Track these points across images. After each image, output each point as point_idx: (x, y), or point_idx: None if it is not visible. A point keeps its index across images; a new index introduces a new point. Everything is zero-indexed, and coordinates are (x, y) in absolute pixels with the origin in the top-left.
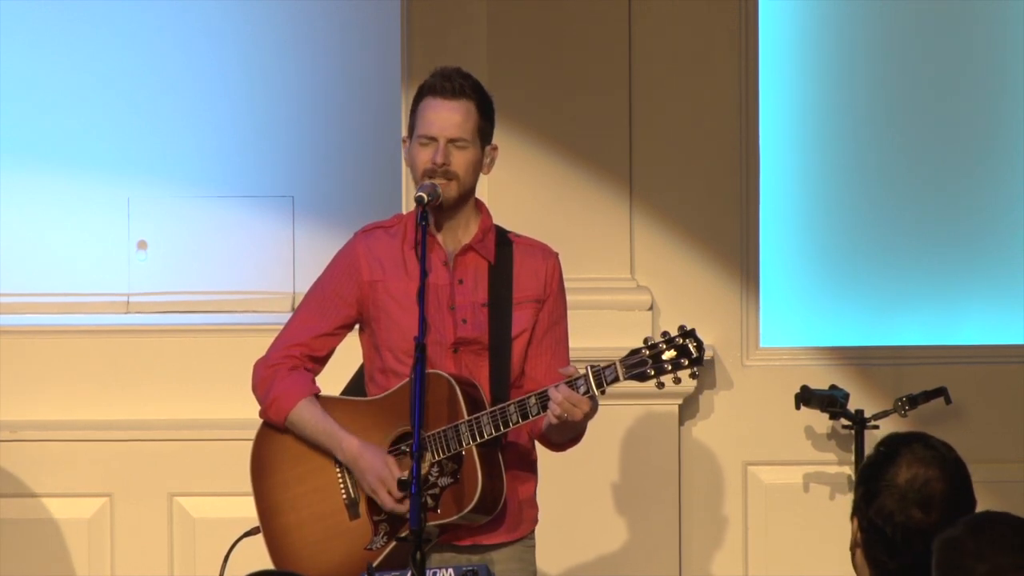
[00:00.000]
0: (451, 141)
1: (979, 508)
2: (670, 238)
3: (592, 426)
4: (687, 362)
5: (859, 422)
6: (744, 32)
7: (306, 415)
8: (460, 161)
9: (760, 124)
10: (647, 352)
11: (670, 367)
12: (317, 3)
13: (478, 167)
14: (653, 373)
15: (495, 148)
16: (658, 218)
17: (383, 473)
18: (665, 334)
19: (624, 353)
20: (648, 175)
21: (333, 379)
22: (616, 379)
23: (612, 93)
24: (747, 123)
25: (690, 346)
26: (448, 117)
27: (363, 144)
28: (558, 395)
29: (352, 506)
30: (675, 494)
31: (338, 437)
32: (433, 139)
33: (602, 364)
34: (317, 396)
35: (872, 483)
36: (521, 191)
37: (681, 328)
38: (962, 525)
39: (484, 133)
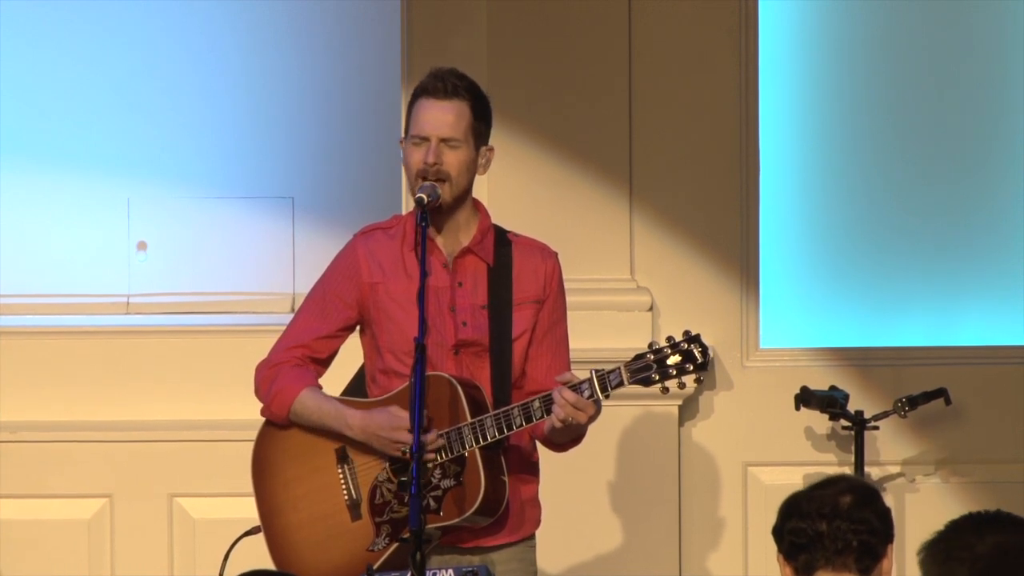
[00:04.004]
0: (443, 141)
1: (978, 509)
2: (670, 238)
3: (592, 427)
4: (692, 367)
5: (859, 423)
6: (744, 32)
7: (309, 402)
8: (452, 161)
9: (760, 124)
10: (652, 357)
11: (675, 372)
12: (317, 3)
13: (472, 168)
14: (658, 378)
15: (491, 149)
16: (658, 218)
17: (394, 421)
18: (670, 339)
19: (627, 356)
20: (648, 175)
21: (334, 379)
22: (621, 384)
23: (612, 93)
24: (747, 123)
25: (695, 351)
26: (440, 117)
27: (363, 144)
28: (562, 398)
29: (354, 507)
30: (675, 494)
31: (343, 414)
32: (425, 139)
33: (607, 368)
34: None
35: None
36: (521, 191)
37: (686, 333)
38: (943, 528)
39: (478, 133)
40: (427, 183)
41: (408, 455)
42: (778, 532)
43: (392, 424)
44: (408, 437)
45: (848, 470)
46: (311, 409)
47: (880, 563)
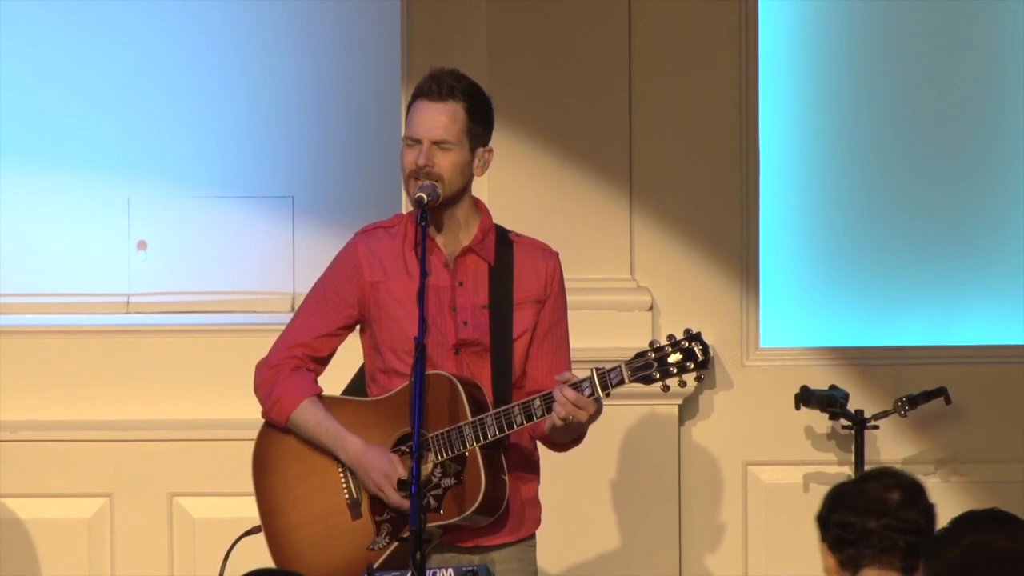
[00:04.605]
0: (435, 143)
1: (977, 508)
2: (670, 238)
3: (592, 426)
4: (693, 365)
5: (859, 422)
6: (744, 32)
7: (308, 416)
8: (444, 163)
9: (760, 124)
10: (652, 355)
11: (675, 370)
12: (317, 3)
13: (466, 170)
14: (658, 376)
15: (489, 151)
16: (658, 218)
17: (388, 469)
18: (671, 337)
19: (627, 355)
20: (648, 175)
21: (334, 379)
22: (621, 382)
23: (612, 93)
24: (747, 123)
25: (696, 349)
26: (433, 119)
27: (363, 144)
28: (563, 397)
29: (354, 506)
30: (675, 494)
31: (341, 438)
32: (418, 141)
33: (607, 367)
34: (320, 397)
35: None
36: (521, 191)
37: (687, 331)
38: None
39: (474, 135)
40: (427, 183)
41: (409, 453)
42: (824, 521)
43: (385, 471)
44: (394, 496)
45: (848, 469)
46: (310, 423)
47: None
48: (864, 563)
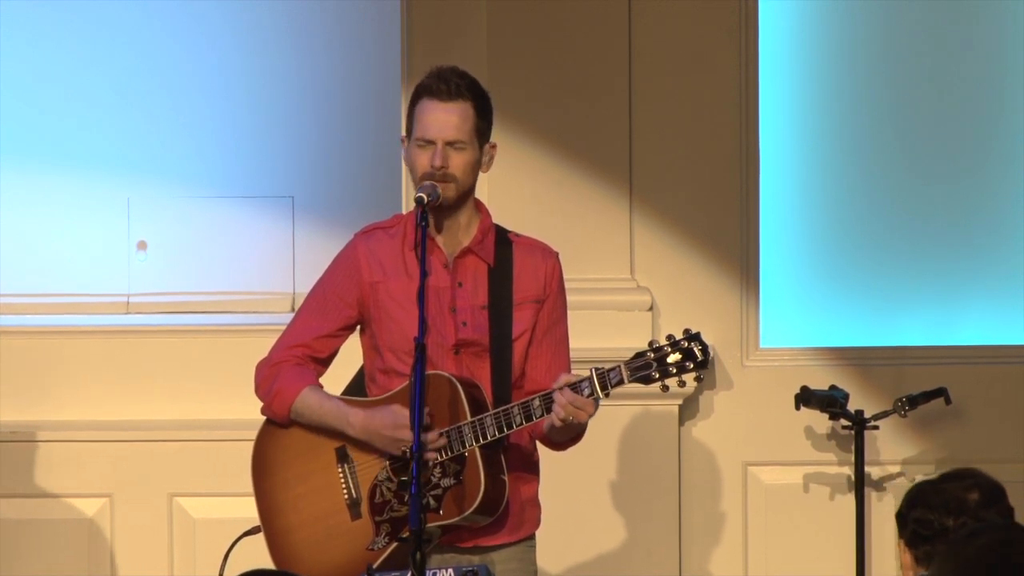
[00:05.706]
0: (449, 143)
1: None
2: (670, 238)
3: (592, 426)
4: (692, 365)
5: (859, 422)
6: (744, 32)
7: (311, 401)
8: (458, 163)
9: (760, 124)
10: (652, 355)
11: (675, 370)
12: (317, 3)
13: (476, 167)
14: (658, 376)
15: (494, 146)
16: (658, 218)
17: (396, 419)
18: (670, 337)
19: (627, 355)
20: (648, 175)
21: (334, 379)
22: (621, 382)
23: (612, 93)
24: (747, 123)
25: (695, 349)
26: (445, 119)
27: (363, 144)
28: (563, 398)
29: (354, 506)
30: (675, 494)
31: (344, 413)
32: (431, 142)
33: (606, 367)
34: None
35: None
36: (521, 191)
37: (686, 331)
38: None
39: (482, 133)
40: (427, 183)
41: (410, 454)
42: (902, 518)
43: (395, 422)
44: (411, 435)
45: (848, 470)
46: (312, 408)
47: None
48: None
